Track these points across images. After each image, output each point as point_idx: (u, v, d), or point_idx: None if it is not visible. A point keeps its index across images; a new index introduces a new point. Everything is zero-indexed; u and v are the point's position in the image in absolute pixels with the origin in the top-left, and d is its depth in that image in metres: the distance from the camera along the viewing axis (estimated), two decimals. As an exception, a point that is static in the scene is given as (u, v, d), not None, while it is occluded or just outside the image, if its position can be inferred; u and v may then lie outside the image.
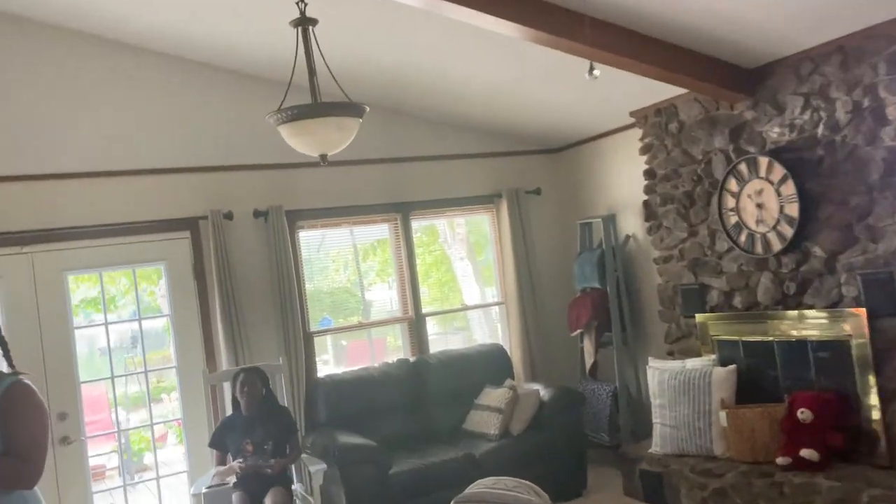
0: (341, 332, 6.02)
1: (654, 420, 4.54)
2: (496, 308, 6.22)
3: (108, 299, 4.85)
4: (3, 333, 2.61)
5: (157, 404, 7.58)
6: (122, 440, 7.09)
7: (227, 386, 4.62)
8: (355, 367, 5.21)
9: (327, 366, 6.71)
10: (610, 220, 5.57)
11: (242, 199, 4.92)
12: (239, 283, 4.80)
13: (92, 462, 6.86)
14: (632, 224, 5.46)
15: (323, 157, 3.29)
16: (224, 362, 4.69)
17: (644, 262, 5.34)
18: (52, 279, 4.44)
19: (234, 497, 3.94)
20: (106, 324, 4.71)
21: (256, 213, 4.94)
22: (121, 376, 6.66)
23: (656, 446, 4.47)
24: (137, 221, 4.62)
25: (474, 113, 5.45)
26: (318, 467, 4.18)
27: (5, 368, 2.61)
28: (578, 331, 5.55)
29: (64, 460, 4.37)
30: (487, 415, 4.92)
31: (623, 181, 5.47)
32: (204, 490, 3.50)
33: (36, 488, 2.60)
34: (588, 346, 5.51)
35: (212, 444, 4.25)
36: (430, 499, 4.33)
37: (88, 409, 6.12)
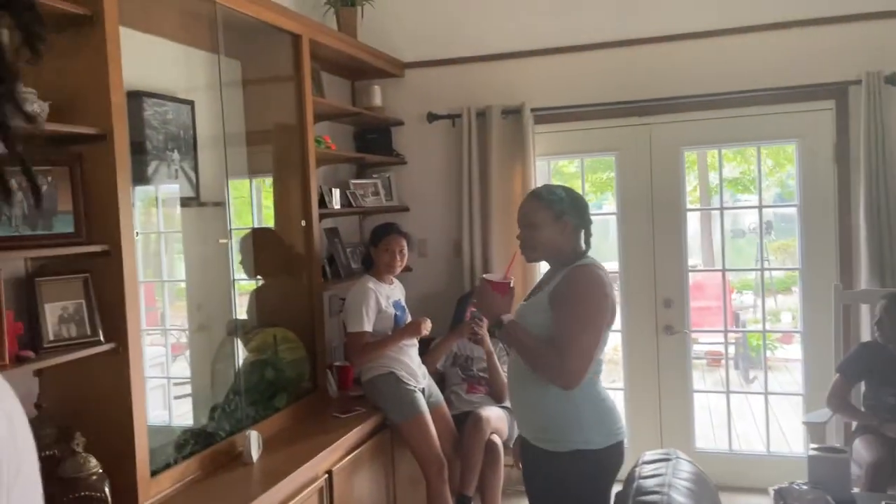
0: None
1: None
2: None
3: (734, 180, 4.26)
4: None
5: (786, 296, 6.81)
6: (733, 337, 6.61)
7: (865, 307, 3.60)
8: None
9: None
10: None
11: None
12: (896, 172, 3.55)
13: (706, 348, 6.61)
14: None
15: None
16: (864, 277, 3.60)
17: None
18: (668, 154, 4.03)
19: (860, 441, 3.20)
20: (722, 208, 4.11)
21: (937, 74, 3.50)
22: (734, 270, 6.07)
23: None
24: (766, 88, 3.76)
25: None
26: None
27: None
28: None
29: (665, 350, 4.10)
30: None
31: None
32: (811, 452, 2.71)
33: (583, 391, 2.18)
34: None
35: (840, 370, 3.41)
36: None
37: (703, 295, 5.80)
